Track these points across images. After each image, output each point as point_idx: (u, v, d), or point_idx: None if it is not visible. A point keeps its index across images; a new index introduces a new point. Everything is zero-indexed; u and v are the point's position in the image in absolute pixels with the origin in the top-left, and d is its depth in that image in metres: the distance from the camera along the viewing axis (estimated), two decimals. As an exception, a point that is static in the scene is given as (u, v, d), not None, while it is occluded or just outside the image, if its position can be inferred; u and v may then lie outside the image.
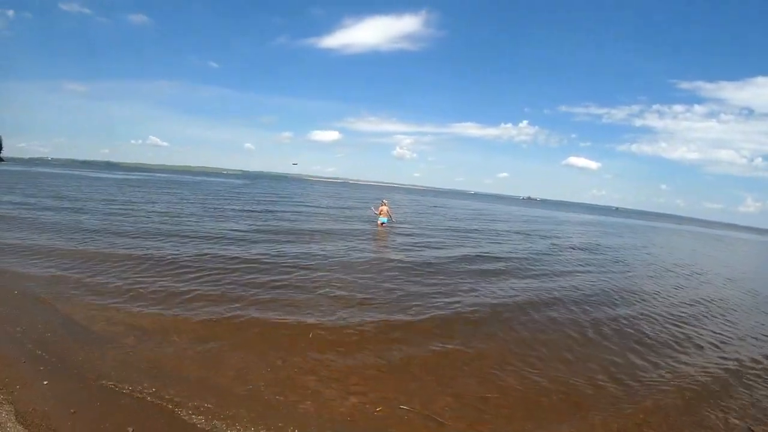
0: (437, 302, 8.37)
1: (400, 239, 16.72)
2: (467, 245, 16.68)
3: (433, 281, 10.08)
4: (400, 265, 11.49)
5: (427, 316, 7.61)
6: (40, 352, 5.18)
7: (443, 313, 7.81)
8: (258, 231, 15.91)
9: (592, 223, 49.61)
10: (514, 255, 15.19)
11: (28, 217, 15.34)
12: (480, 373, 5.72)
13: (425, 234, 19.18)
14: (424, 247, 15.09)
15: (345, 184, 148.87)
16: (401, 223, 22.17)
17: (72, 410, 4.07)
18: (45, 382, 4.48)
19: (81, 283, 8.03)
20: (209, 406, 4.37)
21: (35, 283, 7.84)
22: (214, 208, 23.78)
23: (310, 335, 6.36)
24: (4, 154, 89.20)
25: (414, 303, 8.21)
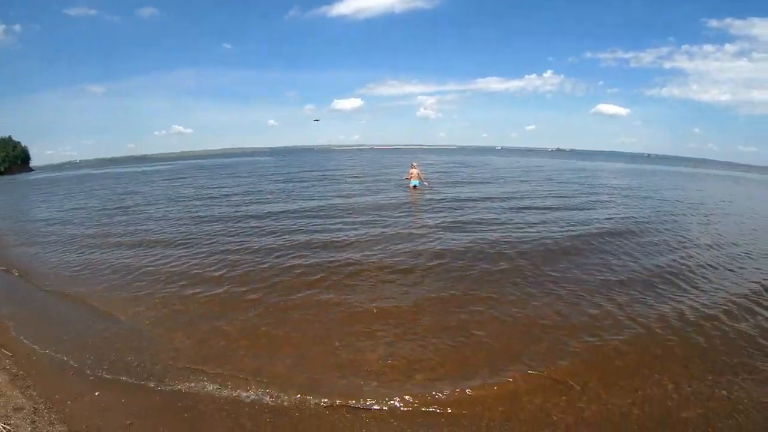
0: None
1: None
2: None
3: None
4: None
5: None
6: (88, 361, 4.96)
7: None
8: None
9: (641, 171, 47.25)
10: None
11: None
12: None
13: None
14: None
15: (371, 150, 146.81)
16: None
17: (128, 422, 3.81)
18: (96, 393, 4.23)
19: (119, 279, 7.83)
20: (270, 400, 4.06)
21: (73, 284, 7.72)
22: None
23: (375, 311, 5.98)
24: (33, 163, 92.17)
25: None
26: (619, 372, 4.52)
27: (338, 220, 11.88)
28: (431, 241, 9.31)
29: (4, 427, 3.56)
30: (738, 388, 4.24)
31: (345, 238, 9.75)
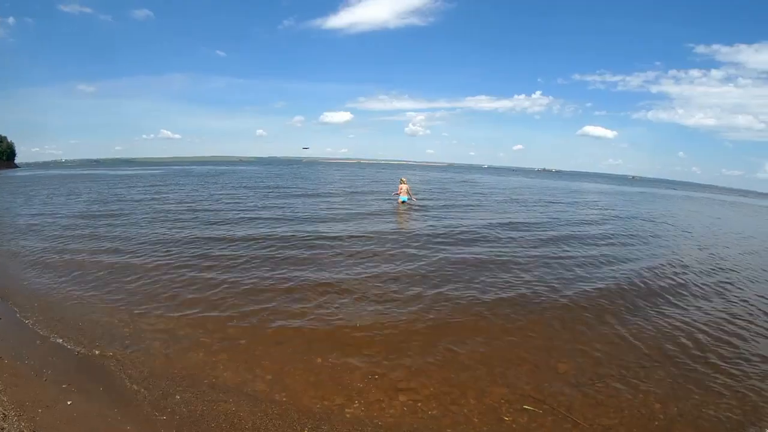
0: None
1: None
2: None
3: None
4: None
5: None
6: (62, 367, 4.84)
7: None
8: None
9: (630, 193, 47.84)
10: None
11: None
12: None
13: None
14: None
15: (359, 164, 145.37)
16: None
17: (100, 433, 3.69)
18: (69, 402, 4.09)
19: (97, 286, 7.70)
20: (249, 423, 3.96)
21: (51, 288, 7.62)
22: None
23: (357, 324, 5.99)
24: (19, 159, 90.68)
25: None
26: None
27: (329, 251, 10.10)
28: (435, 288, 7.65)
29: (-31, 433, 3.43)
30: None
31: (335, 278, 8.06)
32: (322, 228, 13.25)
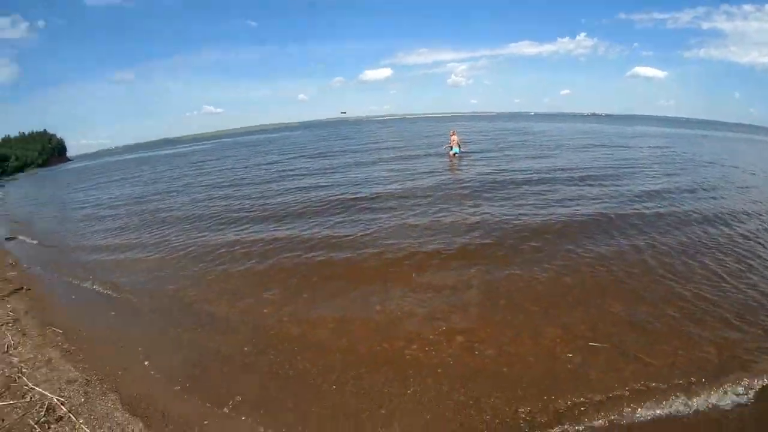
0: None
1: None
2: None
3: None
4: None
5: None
6: (135, 330, 5.18)
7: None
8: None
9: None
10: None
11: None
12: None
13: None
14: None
15: (404, 120, 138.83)
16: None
17: (176, 387, 3.92)
18: (146, 363, 4.36)
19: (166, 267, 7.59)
20: (312, 366, 4.11)
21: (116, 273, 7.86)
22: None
23: (413, 275, 5.90)
24: (70, 152, 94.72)
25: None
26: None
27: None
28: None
29: (58, 399, 3.70)
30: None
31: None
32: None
